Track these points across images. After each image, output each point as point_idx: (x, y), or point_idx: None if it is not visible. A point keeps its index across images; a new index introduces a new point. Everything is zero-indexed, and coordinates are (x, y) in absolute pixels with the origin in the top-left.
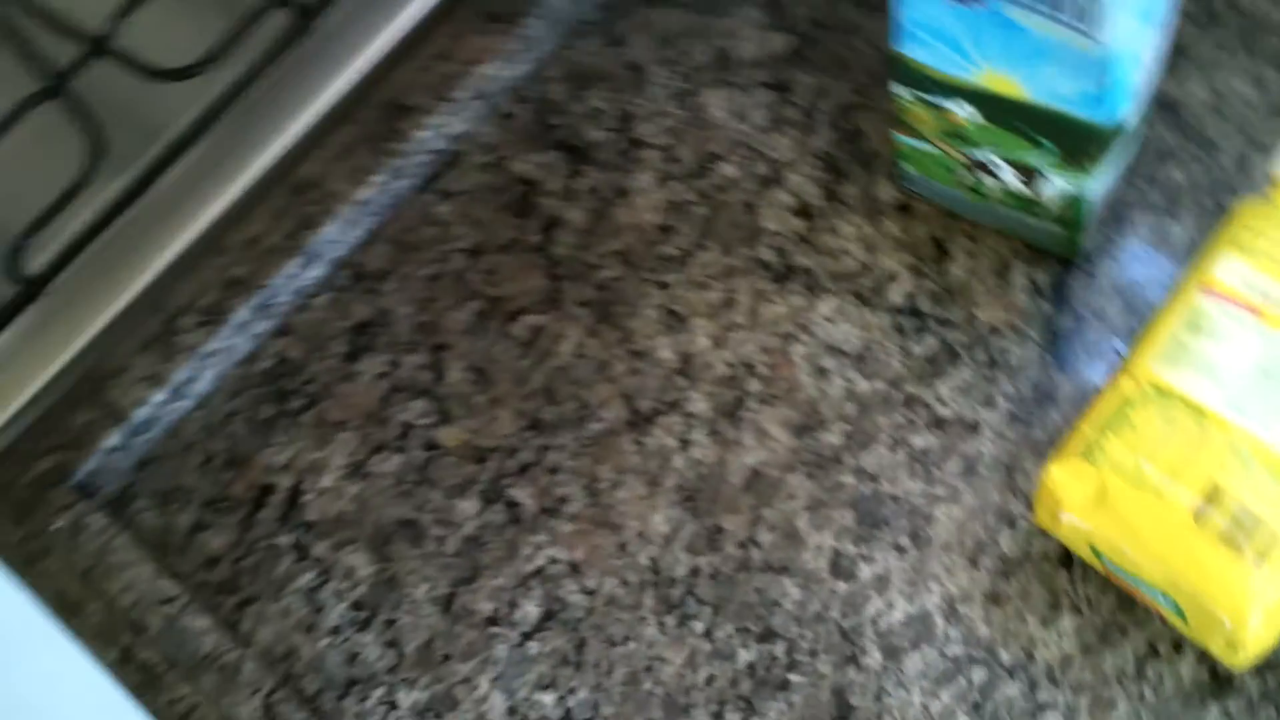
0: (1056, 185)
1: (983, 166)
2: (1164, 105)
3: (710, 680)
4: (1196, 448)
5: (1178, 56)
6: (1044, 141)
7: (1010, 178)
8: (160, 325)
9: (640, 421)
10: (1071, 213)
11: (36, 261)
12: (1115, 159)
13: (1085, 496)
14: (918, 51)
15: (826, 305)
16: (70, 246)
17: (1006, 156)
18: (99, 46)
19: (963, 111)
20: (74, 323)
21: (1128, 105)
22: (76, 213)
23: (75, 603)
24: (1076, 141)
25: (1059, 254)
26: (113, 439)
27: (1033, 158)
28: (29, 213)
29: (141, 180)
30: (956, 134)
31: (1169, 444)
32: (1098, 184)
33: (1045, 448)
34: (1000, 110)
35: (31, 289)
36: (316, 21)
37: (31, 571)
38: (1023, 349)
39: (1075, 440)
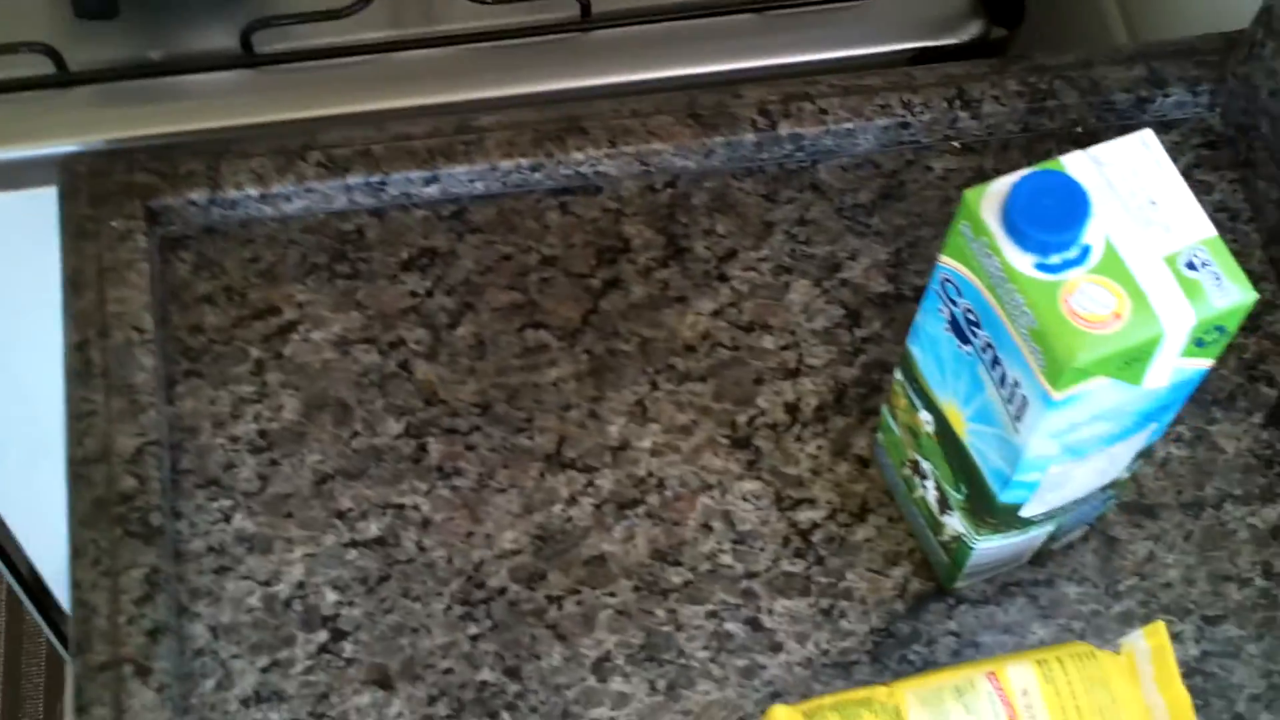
0: (956, 522)
1: (918, 470)
2: (1105, 538)
3: (447, 671)
4: None
5: (1143, 514)
6: (960, 483)
7: (930, 491)
8: (297, 146)
9: (555, 462)
10: (956, 551)
11: (268, 44)
12: (1012, 537)
13: None
14: (917, 353)
15: (750, 486)
16: (297, 52)
17: (935, 474)
18: None
19: (925, 419)
20: (252, 101)
21: (1030, 502)
22: (320, 32)
23: (80, 284)
24: (981, 500)
25: (939, 578)
26: (199, 196)
27: (949, 489)
28: (293, 7)
29: (378, 45)
30: (914, 431)
31: None
32: (987, 545)
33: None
34: (945, 435)
35: (248, 59)
36: (594, 31)
37: (72, 242)
38: (858, 623)
39: (815, 701)
